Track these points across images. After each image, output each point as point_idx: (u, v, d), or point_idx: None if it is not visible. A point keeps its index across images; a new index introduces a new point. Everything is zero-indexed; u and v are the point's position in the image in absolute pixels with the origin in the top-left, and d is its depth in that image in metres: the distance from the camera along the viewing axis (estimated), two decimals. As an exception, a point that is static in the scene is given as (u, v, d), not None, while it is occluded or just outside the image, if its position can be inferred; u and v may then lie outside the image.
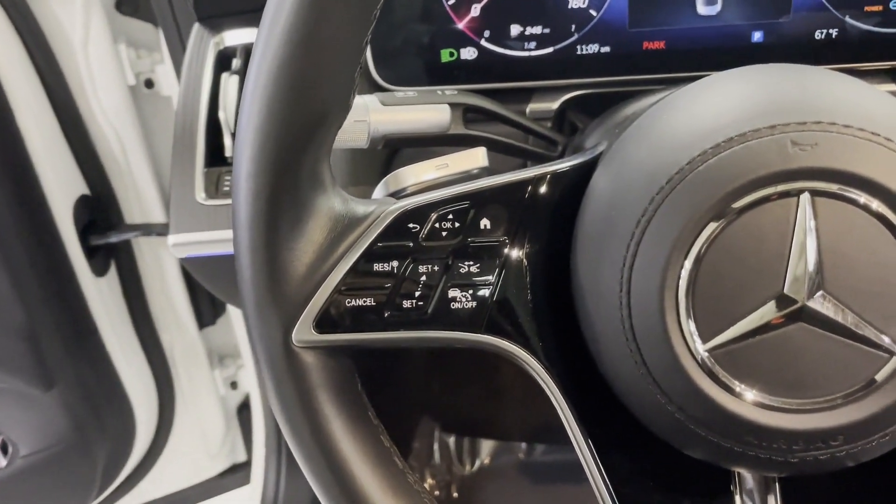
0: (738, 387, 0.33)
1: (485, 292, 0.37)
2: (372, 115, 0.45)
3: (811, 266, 0.31)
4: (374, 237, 0.36)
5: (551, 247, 0.38)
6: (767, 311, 0.32)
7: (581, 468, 0.39)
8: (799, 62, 0.53)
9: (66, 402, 0.87)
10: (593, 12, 0.54)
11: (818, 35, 0.52)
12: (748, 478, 0.40)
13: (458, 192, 0.37)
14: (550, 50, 0.55)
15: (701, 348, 0.33)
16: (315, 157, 0.35)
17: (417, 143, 0.48)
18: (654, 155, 0.34)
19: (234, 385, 1.15)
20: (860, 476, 0.41)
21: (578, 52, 0.55)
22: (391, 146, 0.47)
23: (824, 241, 0.31)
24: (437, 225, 0.37)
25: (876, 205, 0.31)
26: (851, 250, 0.31)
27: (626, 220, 0.34)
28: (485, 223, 0.37)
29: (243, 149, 0.34)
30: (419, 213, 0.37)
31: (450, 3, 0.55)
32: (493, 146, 0.52)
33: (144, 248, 0.95)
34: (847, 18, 0.52)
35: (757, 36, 0.53)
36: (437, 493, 1.18)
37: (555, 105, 0.57)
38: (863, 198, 0.31)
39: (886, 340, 0.31)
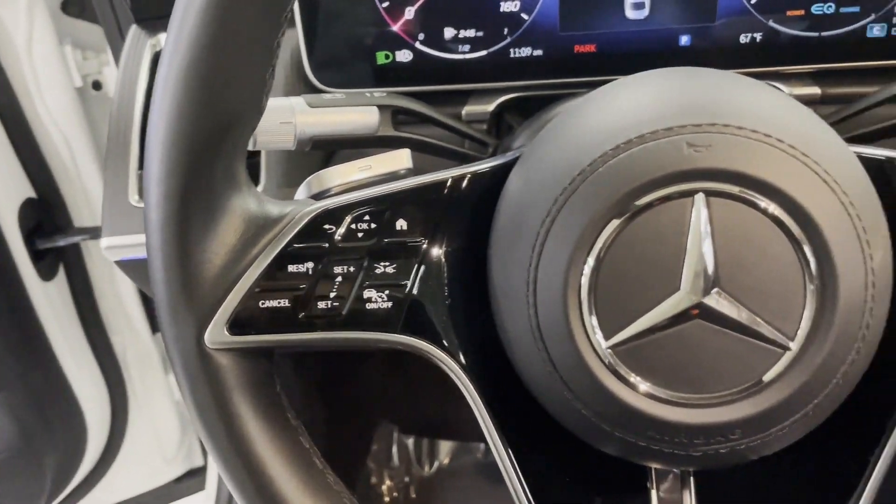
0: (640, 382, 0.33)
1: (401, 293, 0.37)
2: (298, 117, 0.46)
3: (706, 264, 0.32)
4: (288, 238, 0.36)
5: (470, 247, 0.39)
6: (665, 309, 0.33)
7: None
8: (725, 66, 0.54)
9: (12, 408, 0.86)
10: (525, 16, 0.55)
11: (743, 39, 0.54)
12: (664, 474, 0.41)
13: (375, 193, 0.38)
14: (484, 53, 0.56)
15: (603, 345, 0.33)
16: (228, 159, 0.35)
17: (346, 145, 0.48)
18: (560, 156, 0.35)
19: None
20: (773, 471, 0.42)
21: (512, 56, 0.56)
22: (319, 148, 0.47)
23: (719, 240, 0.32)
24: (353, 226, 0.37)
25: (768, 204, 0.32)
26: (745, 248, 0.32)
27: (532, 220, 0.34)
28: (401, 224, 0.38)
29: (153, 151, 0.34)
30: (335, 215, 0.37)
31: (384, 5, 0.55)
32: (424, 148, 0.52)
33: (94, 252, 0.95)
34: (771, 23, 0.53)
35: (685, 40, 0.54)
36: (395, 494, 1.18)
37: (490, 107, 0.57)
38: (755, 197, 0.32)
39: (780, 337, 0.32)
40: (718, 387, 0.33)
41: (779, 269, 0.32)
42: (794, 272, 0.32)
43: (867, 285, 0.32)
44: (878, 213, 0.33)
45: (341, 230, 0.37)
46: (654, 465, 0.39)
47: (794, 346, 0.32)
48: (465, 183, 0.39)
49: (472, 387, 0.38)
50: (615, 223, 0.33)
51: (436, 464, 1.19)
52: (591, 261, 0.33)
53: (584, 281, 0.33)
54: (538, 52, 0.56)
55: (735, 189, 0.32)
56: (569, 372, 0.34)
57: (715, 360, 0.33)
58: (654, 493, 0.41)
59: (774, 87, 0.38)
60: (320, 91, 0.57)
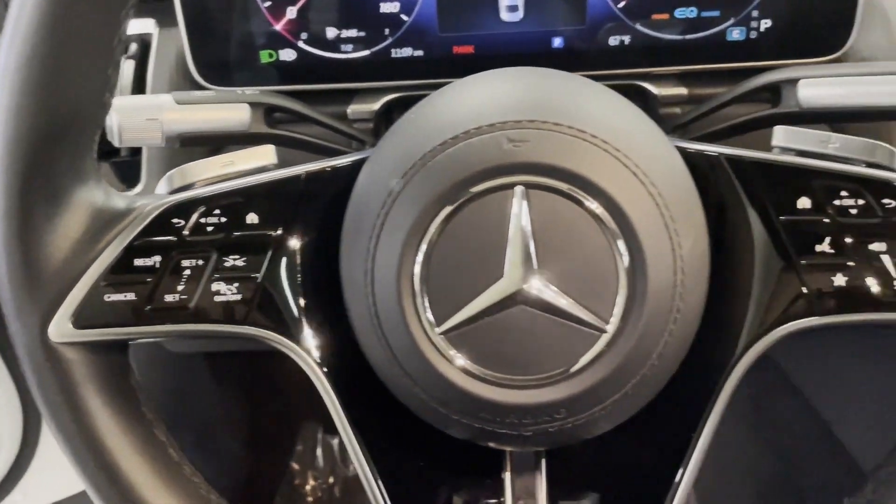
0: (471, 366, 0.35)
1: (251, 286, 0.38)
2: (165, 115, 0.46)
3: (526, 253, 0.34)
4: (136, 233, 0.37)
5: (326, 241, 0.40)
6: (491, 295, 0.34)
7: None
8: (597, 67, 0.57)
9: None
10: (405, 17, 0.56)
11: (613, 42, 0.56)
12: (518, 458, 0.42)
13: (225, 188, 0.39)
14: (367, 53, 0.57)
15: (436, 331, 0.35)
16: (72, 154, 0.35)
17: (217, 142, 0.49)
18: (396, 152, 0.36)
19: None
20: (616, 452, 0.44)
21: (394, 55, 0.57)
22: (189, 145, 0.48)
23: (538, 230, 0.34)
24: (202, 220, 0.38)
25: (583, 196, 0.34)
26: (563, 237, 0.34)
27: (370, 212, 0.36)
28: (252, 218, 0.39)
29: None
30: (184, 209, 0.38)
31: (266, 5, 0.56)
32: (300, 145, 0.53)
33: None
34: (638, 26, 0.55)
35: (557, 42, 0.56)
36: (319, 494, 1.19)
37: (375, 106, 0.59)
38: (571, 189, 0.34)
39: (596, 321, 0.34)
40: (543, 368, 0.35)
41: (593, 256, 0.34)
42: (607, 259, 0.34)
43: (676, 271, 0.34)
44: (688, 203, 0.35)
45: (190, 224, 0.38)
46: (494, 446, 0.40)
47: (610, 329, 0.34)
48: (321, 177, 0.40)
49: (324, 380, 0.39)
50: (443, 214, 0.34)
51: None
52: (422, 251, 0.34)
53: (417, 270, 0.34)
54: (419, 53, 0.57)
55: (551, 182, 0.33)
56: (406, 358, 0.35)
57: (539, 343, 0.34)
58: (507, 476, 0.42)
59: (612, 89, 0.39)
60: (204, 89, 0.58)
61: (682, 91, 0.57)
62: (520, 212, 0.34)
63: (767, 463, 0.86)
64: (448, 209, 0.34)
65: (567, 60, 0.56)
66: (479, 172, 0.34)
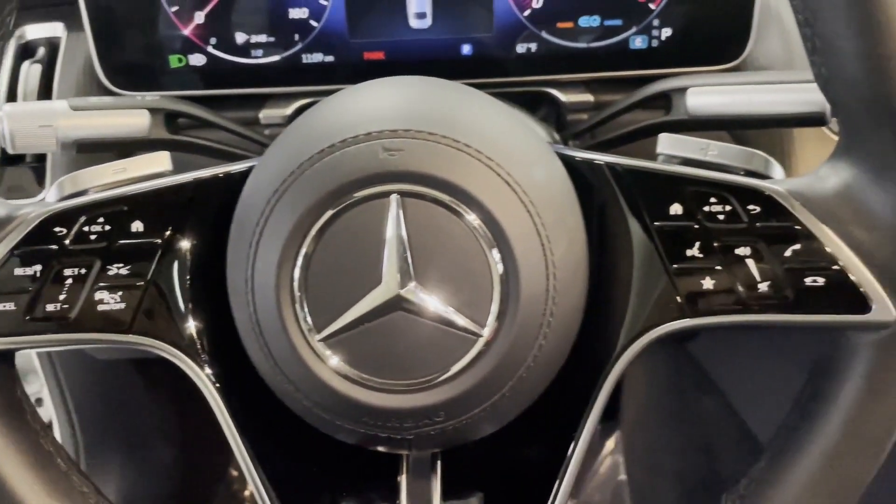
0: (352, 371, 0.35)
1: (135, 294, 0.38)
2: (60, 121, 0.46)
3: (403, 259, 0.34)
4: (15, 242, 0.37)
5: (216, 248, 0.40)
6: (370, 301, 0.35)
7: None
8: (506, 74, 0.58)
9: None
10: (314, 23, 0.56)
11: (520, 49, 0.57)
12: (413, 461, 0.43)
13: (109, 195, 0.38)
14: (277, 58, 0.57)
15: (316, 337, 0.35)
16: None
17: (114, 148, 0.49)
18: (278, 160, 0.37)
19: (38, 402, 1.10)
20: (513, 451, 0.45)
21: (304, 61, 0.57)
22: (85, 151, 0.47)
23: (413, 237, 0.34)
24: (85, 228, 0.38)
25: (456, 204, 0.34)
26: (438, 244, 0.34)
27: (250, 221, 0.36)
28: (138, 226, 0.39)
29: None
30: (67, 217, 0.38)
31: (173, 10, 0.55)
32: (203, 151, 0.53)
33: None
34: (543, 34, 0.56)
35: (466, 49, 0.57)
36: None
37: (287, 111, 0.59)
38: (444, 198, 0.34)
39: (472, 325, 0.35)
40: (422, 373, 0.35)
41: (468, 263, 0.35)
42: (482, 266, 0.35)
43: (549, 277, 0.35)
44: (561, 210, 0.36)
45: (72, 232, 0.37)
46: (382, 449, 0.41)
47: (485, 333, 0.35)
48: (212, 184, 0.40)
49: (211, 388, 0.39)
50: (320, 222, 0.35)
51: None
52: (300, 258, 0.35)
53: (296, 277, 0.35)
54: (330, 58, 0.57)
55: (426, 190, 0.34)
56: (287, 365, 0.36)
57: (417, 348, 0.35)
58: (403, 479, 0.43)
59: (505, 97, 0.40)
60: (114, 94, 0.57)
61: (589, 98, 0.58)
62: (396, 220, 0.34)
63: (692, 457, 0.88)
64: (325, 217, 0.34)
65: (476, 67, 0.57)
66: (355, 181, 0.34)
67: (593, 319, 0.40)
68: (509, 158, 0.35)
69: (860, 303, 0.35)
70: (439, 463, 0.43)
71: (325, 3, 0.56)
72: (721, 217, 0.37)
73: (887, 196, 0.34)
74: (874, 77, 0.33)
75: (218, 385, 0.39)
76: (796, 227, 0.36)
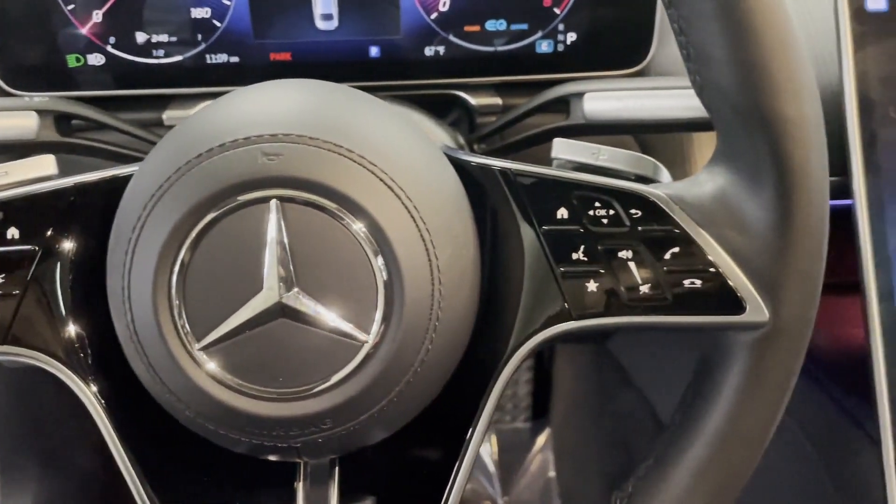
0: (233, 380, 0.35)
1: (11, 303, 0.37)
2: (-62, 123, 0.44)
3: (284, 265, 0.34)
4: None
5: (98, 255, 0.39)
6: (251, 309, 0.34)
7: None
8: (415, 77, 0.58)
9: None
10: (217, 23, 0.55)
11: (428, 52, 0.57)
12: (310, 468, 0.43)
13: None
14: (180, 58, 0.56)
15: (195, 346, 0.35)
16: None
17: (5, 152, 0.47)
18: (155, 165, 0.36)
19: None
20: (409, 454, 0.45)
21: (208, 61, 0.56)
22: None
23: (295, 243, 0.34)
24: None
25: (338, 210, 0.34)
26: (320, 250, 0.34)
27: (128, 226, 0.35)
28: (14, 232, 0.37)
29: None
30: None
31: (69, 8, 0.54)
32: (97, 154, 0.52)
33: None
34: (451, 37, 0.56)
35: (374, 51, 0.57)
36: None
37: (191, 112, 0.57)
38: (326, 203, 0.34)
39: (357, 332, 0.35)
40: (306, 380, 0.35)
41: (351, 269, 0.34)
42: (365, 272, 0.34)
43: (434, 282, 0.35)
44: (447, 215, 0.36)
45: None
46: (271, 458, 0.40)
47: (370, 339, 0.35)
48: (95, 189, 0.39)
49: (91, 398, 0.38)
50: (198, 228, 0.34)
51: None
52: (177, 265, 0.34)
53: (173, 285, 0.34)
54: (234, 59, 0.56)
55: (307, 196, 0.34)
56: (167, 375, 0.35)
57: (301, 356, 0.35)
58: (300, 485, 0.42)
59: (393, 102, 0.40)
60: (11, 95, 0.55)
61: (497, 101, 0.58)
62: (276, 226, 0.34)
63: (613, 452, 0.90)
64: (203, 223, 0.34)
65: (385, 69, 0.57)
66: (232, 186, 0.34)
67: (487, 322, 0.41)
68: (393, 163, 0.35)
69: (735, 304, 0.36)
70: (337, 469, 0.43)
71: (228, 2, 0.55)
72: (605, 221, 0.38)
73: (760, 201, 0.35)
74: (744, 85, 0.34)
75: (99, 398, 0.38)
76: (675, 230, 0.37)
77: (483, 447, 1.20)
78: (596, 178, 0.38)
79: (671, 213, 0.37)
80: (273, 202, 0.34)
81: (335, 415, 0.35)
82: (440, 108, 0.61)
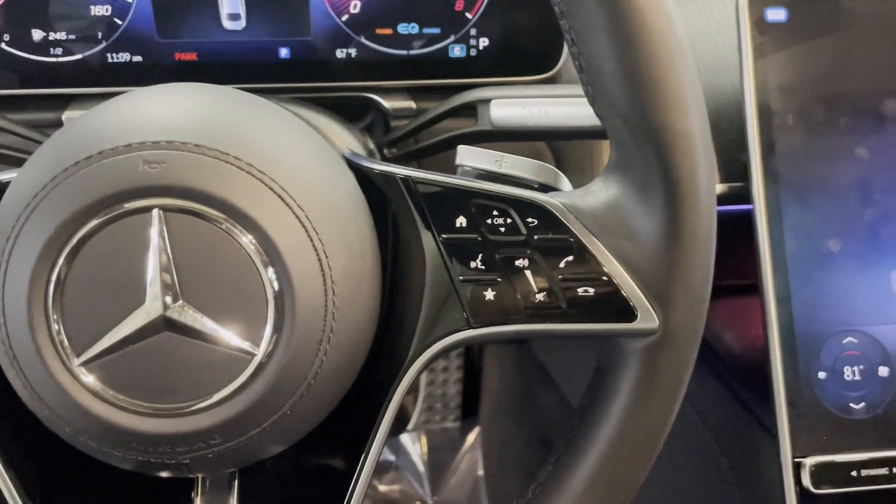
0: (116, 397, 0.34)
1: None
2: None
3: (168, 277, 0.33)
4: None
5: None
6: (133, 322, 0.33)
7: None
8: (326, 79, 0.57)
9: None
10: (118, 21, 0.53)
11: (340, 54, 0.56)
12: (208, 482, 0.41)
13: None
14: (79, 57, 0.54)
15: (75, 362, 0.33)
16: None
17: None
18: (32, 172, 0.34)
19: None
20: (310, 465, 0.45)
21: (110, 60, 0.54)
22: None
23: (179, 254, 0.33)
24: None
25: (224, 220, 0.33)
26: (206, 262, 0.33)
27: (2, 237, 0.33)
28: None
29: None
30: None
31: (-43, 2, 0.51)
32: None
33: None
34: (363, 39, 0.56)
35: (284, 52, 0.56)
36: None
37: (93, 113, 0.55)
38: (211, 213, 0.33)
39: (246, 345, 0.34)
40: (192, 395, 0.34)
41: (239, 280, 0.34)
42: (254, 283, 0.34)
43: (327, 292, 0.34)
44: (343, 224, 0.36)
45: None
46: (155, 475, 0.39)
47: (260, 352, 0.34)
48: None
49: None
50: (75, 239, 0.33)
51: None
52: (53, 278, 0.33)
53: (49, 299, 0.33)
54: (137, 58, 0.55)
55: (191, 205, 0.33)
56: (46, 392, 0.34)
57: (187, 370, 0.34)
58: (197, 499, 0.41)
59: (276, 104, 0.39)
60: None
61: (411, 104, 0.58)
62: (158, 236, 0.33)
63: (535, 451, 0.91)
64: (81, 234, 0.33)
65: (295, 71, 0.56)
66: (111, 195, 0.32)
67: (388, 331, 0.40)
68: (284, 171, 0.34)
69: (627, 312, 0.37)
70: (237, 482, 0.42)
71: (129, 0, 0.53)
72: (502, 229, 0.38)
73: (650, 211, 0.36)
74: (633, 98, 0.34)
75: None
76: (570, 239, 0.37)
77: (413, 448, 1.20)
78: (494, 187, 0.38)
79: (566, 222, 0.37)
80: (155, 212, 0.33)
81: (224, 430, 0.34)
82: (356, 110, 0.60)
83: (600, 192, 0.38)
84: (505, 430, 1.03)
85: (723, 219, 0.59)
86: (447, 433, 1.18)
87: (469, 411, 1.16)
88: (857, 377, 0.53)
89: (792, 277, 0.53)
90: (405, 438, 1.17)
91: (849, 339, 0.53)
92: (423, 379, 1.17)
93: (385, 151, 0.56)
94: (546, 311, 0.38)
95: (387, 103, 0.58)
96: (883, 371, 0.53)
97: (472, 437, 1.17)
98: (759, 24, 0.55)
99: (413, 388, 1.20)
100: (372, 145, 0.54)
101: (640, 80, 0.34)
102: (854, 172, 0.54)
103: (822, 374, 0.53)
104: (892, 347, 0.53)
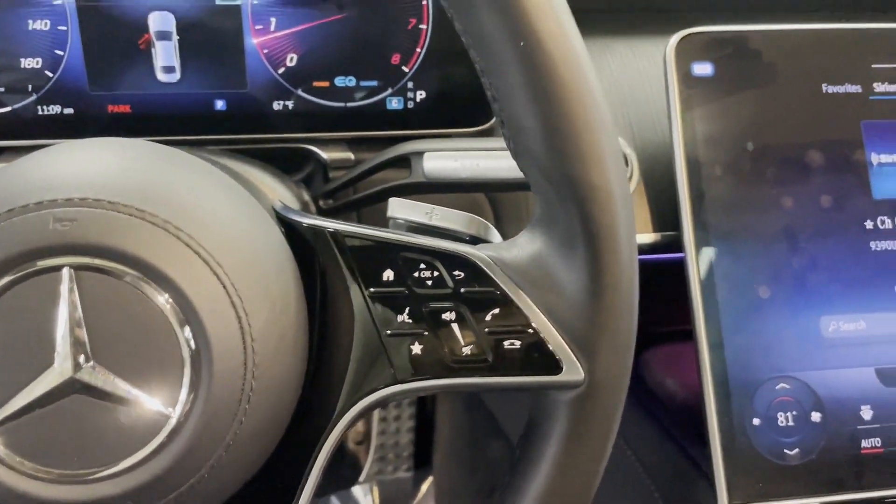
0: (23, 464, 0.32)
1: None
2: None
3: (78, 338, 0.32)
4: None
5: None
6: (41, 385, 0.32)
7: None
8: (262, 131, 0.57)
9: None
10: (50, 73, 0.53)
11: (277, 106, 0.56)
12: None
13: None
14: (9, 109, 0.53)
15: None
16: None
17: None
18: None
19: None
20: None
21: (41, 113, 0.54)
22: None
23: (90, 314, 0.32)
24: None
25: (133, 275, 0.32)
26: (119, 322, 0.32)
27: None
28: None
29: None
30: None
31: None
32: None
33: None
34: (300, 92, 0.56)
35: (220, 104, 0.56)
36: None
37: (22, 165, 0.54)
38: (124, 271, 0.32)
39: (161, 407, 0.33)
40: (104, 460, 0.33)
41: (155, 340, 0.33)
42: (170, 343, 0.33)
43: (246, 350, 0.34)
44: (263, 279, 0.35)
45: None
46: None
47: (176, 414, 0.33)
48: None
49: None
50: None
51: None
52: (-42, 340, 0.31)
53: None
54: (69, 111, 0.54)
55: (103, 263, 0.32)
56: None
57: (99, 434, 0.33)
58: None
59: (197, 156, 0.39)
60: None
61: (349, 156, 0.58)
62: (68, 296, 0.32)
63: (485, 502, 0.90)
64: None
65: (231, 123, 0.56)
66: (19, 255, 0.31)
67: (317, 387, 0.40)
68: (203, 228, 0.34)
69: (552, 364, 0.37)
70: None
71: (60, 53, 0.53)
72: (429, 282, 0.38)
73: (573, 264, 0.36)
74: (552, 153, 0.35)
75: None
76: (496, 292, 0.37)
77: (365, 500, 1.17)
78: (421, 240, 0.38)
79: (492, 275, 0.38)
80: (65, 271, 0.32)
81: (138, 496, 0.33)
82: (295, 161, 0.60)
83: (526, 245, 0.38)
84: (456, 479, 1.01)
85: (660, 267, 0.60)
86: (400, 484, 1.16)
87: (422, 461, 1.14)
88: (791, 423, 0.54)
89: (724, 325, 0.54)
90: (357, 491, 1.15)
91: (781, 385, 0.54)
92: (375, 428, 1.15)
93: (321, 203, 0.56)
94: (472, 364, 0.37)
95: (325, 154, 0.58)
96: (815, 417, 0.54)
97: (425, 488, 1.15)
98: (687, 78, 0.57)
99: (365, 438, 1.17)
100: (307, 197, 0.54)
101: (558, 136, 0.34)
102: (781, 221, 0.56)
103: (756, 421, 0.53)
104: (823, 393, 0.54)
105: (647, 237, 0.60)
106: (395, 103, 0.58)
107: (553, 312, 0.37)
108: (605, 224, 0.35)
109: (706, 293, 0.54)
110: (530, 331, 0.37)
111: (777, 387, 0.54)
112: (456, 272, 0.38)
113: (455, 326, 0.38)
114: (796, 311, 0.55)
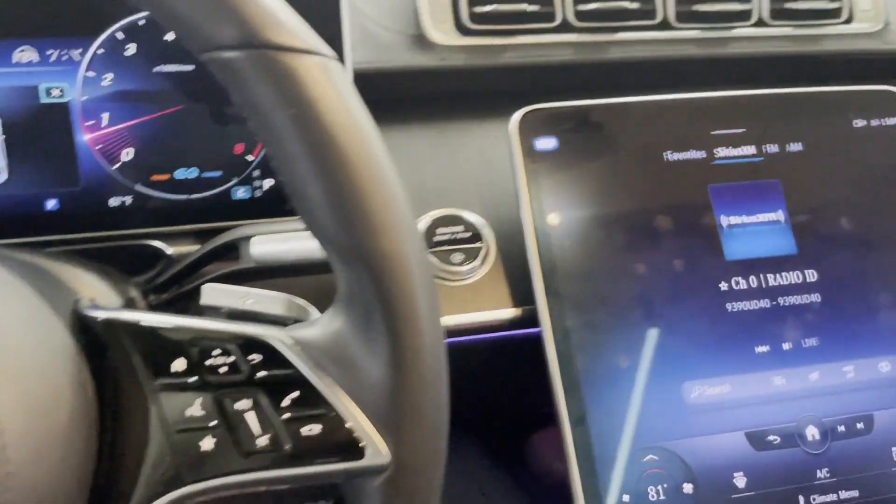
0: None
1: None
2: None
3: None
4: None
5: None
6: None
7: None
8: (99, 228, 0.54)
9: None
10: None
11: (113, 202, 0.54)
12: None
13: None
14: None
15: None
16: None
17: None
18: None
19: None
20: None
21: None
22: None
23: None
24: None
25: None
26: None
27: None
28: None
29: None
30: None
31: None
32: None
33: None
34: (138, 187, 0.55)
35: (52, 204, 0.54)
36: None
37: None
38: None
39: None
40: None
41: None
42: None
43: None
44: (19, 382, 0.32)
45: None
46: None
47: None
48: None
49: None
50: None
51: None
52: None
53: None
54: None
55: None
56: None
57: None
58: None
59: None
60: None
61: (195, 248, 0.56)
62: None
63: None
64: None
65: (64, 222, 0.54)
66: None
67: (109, 492, 0.36)
68: None
69: (355, 449, 0.34)
70: None
71: None
72: (223, 370, 0.35)
73: (373, 341, 0.34)
74: (340, 223, 0.33)
75: None
76: (294, 374, 0.35)
77: None
78: (212, 324, 0.36)
79: (289, 357, 0.35)
80: None
81: None
82: (147, 259, 0.58)
83: (327, 324, 0.36)
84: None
85: (533, 343, 0.58)
86: None
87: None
88: (662, 496, 0.51)
89: (586, 398, 0.52)
90: None
91: (650, 456, 0.52)
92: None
93: (151, 298, 0.53)
94: (269, 455, 0.34)
95: (170, 249, 0.56)
96: (687, 488, 0.52)
97: None
98: (531, 154, 0.57)
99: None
100: (134, 294, 0.52)
101: (344, 204, 0.33)
102: (635, 288, 0.55)
103: (626, 497, 0.51)
104: (693, 462, 0.52)
105: (508, 312, 0.58)
106: (241, 193, 0.57)
107: (355, 393, 0.35)
108: (401, 295, 0.34)
109: (564, 366, 0.53)
110: (332, 414, 0.35)
111: (645, 458, 0.52)
112: (252, 356, 0.35)
113: (250, 416, 0.35)
114: (657, 379, 0.53)
